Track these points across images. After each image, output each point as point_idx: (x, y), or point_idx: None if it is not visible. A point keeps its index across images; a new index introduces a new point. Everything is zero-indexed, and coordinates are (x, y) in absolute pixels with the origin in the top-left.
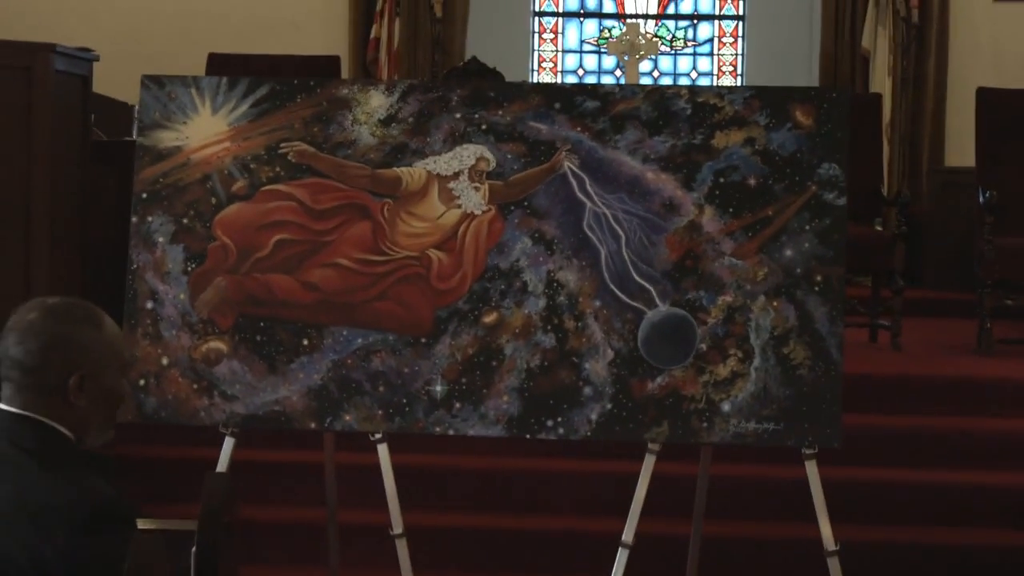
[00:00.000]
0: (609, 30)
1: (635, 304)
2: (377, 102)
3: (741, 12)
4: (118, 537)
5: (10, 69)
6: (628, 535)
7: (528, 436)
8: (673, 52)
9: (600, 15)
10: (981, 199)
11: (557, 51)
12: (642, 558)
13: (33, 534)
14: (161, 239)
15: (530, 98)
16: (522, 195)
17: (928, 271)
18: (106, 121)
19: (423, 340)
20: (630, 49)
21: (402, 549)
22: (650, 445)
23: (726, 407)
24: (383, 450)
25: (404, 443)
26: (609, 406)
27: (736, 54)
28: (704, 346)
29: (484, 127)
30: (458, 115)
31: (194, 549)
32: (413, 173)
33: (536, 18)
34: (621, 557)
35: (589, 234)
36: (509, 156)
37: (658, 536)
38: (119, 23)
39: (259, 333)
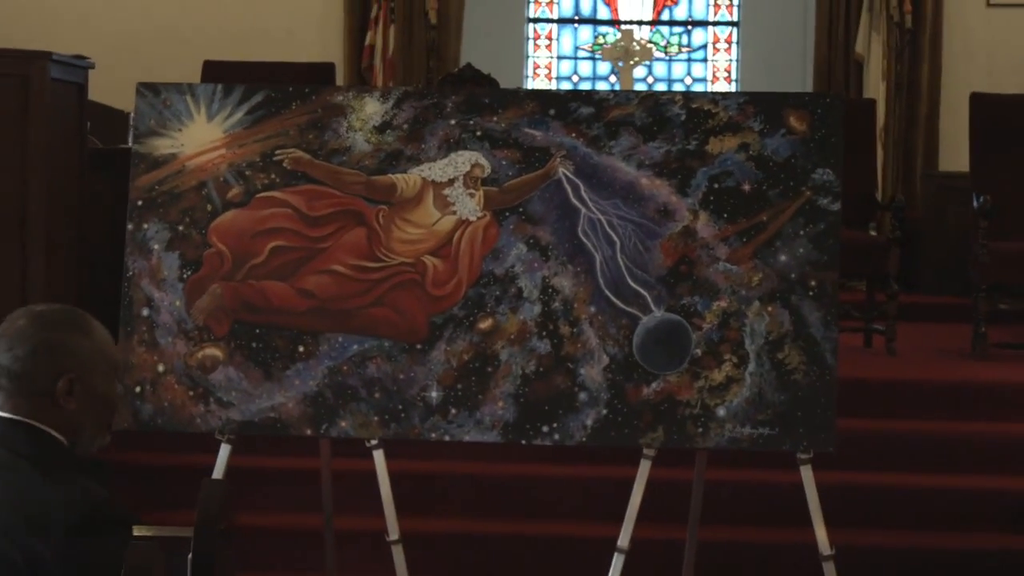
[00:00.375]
0: (604, 36)
1: (630, 310)
2: (372, 109)
3: (735, 18)
4: (114, 539)
5: (6, 77)
6: (624, 540)
7: (524, 442)
8: (668, 58)
9: (595, 21)
10: (975, 204)
11: (552, 57)
12: (638, 563)
13: (30, 537)
14: (157, 246)
15: (525, 104)
16: (517, 201)
17: (923, 276)
18: (102, 129)
19: (418, 346)
20: (625, 55)
21: (398, 555)
22: (645, 450)
23: (721, 412)
24: (379, 456)
25: (400, 449)
26: (604, 411)
27: (730, 60)
28: (699, 351)
29: (479, 133)
30: (453, 121)
31: (190, 556)
32: (408, 180)
33: (531, 24)
34: (617, 562)
35: (584, 240)
36: (504, 162)
37: (654, 541)
38: (115, 31)
39: (255, 340)
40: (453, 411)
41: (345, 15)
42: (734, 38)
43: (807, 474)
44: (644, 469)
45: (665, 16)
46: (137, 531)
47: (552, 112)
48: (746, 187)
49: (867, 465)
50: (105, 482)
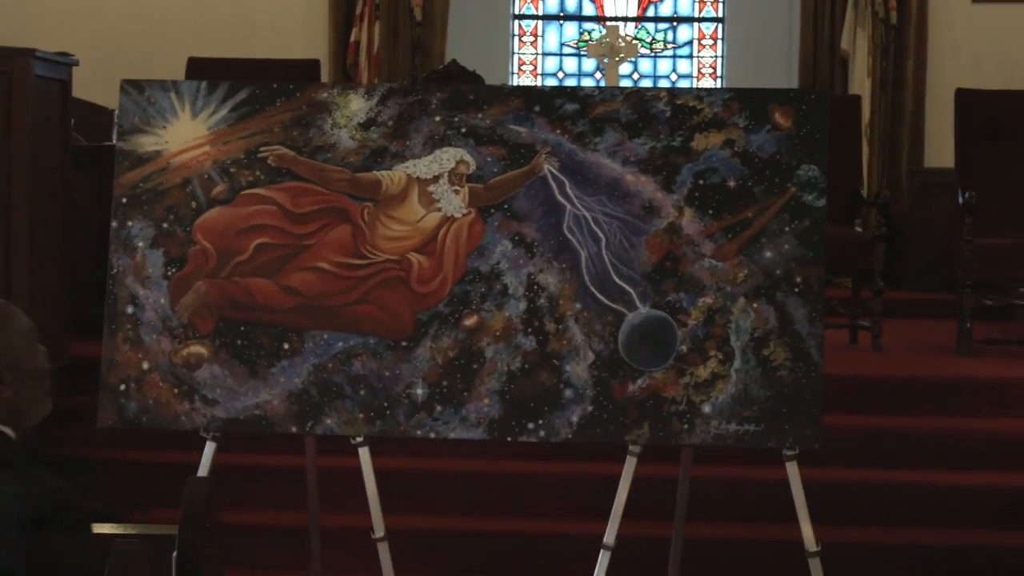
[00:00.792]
0: (589, 33)
1: (615, 306)
2: (357, 106)
3: (720, 14)
4: (68, 531)
5: None
6: (610, 537)
7: (509, 439)
8: (653, 55)
9: (580, 18)
10: (960, 200)
11: (537, 54)
12: (624, 560)
13: None
14: (141, 244)
15: (510, 101)
16: (502, 198)
17: (908, 272)
18: (86, 126)
19: (404, 343)
20: (610, 52)
21: (384, 553)
22: (631, 447)
23: (707, 409)
24: (364, 453)
25: (386, 446)
26: (590, 408)
27: (716, 56)
28: (684, 348)
29: (464, 130)
30: (437, 118)
31: (175, 554)
32: (393, 177)
33: (516, 21)
34: (603, 559)
35: (569, 237)
36: (489, 159)
37: (640, 538)
38: (99, 28)
39: (240, 337)
40: (438, 408)
41: (330, 11)
42: (719, 34)
43: (793, 470)
44: (630, 466)
45: (650, 12)
46: (122, 529)
47: (537, 109)
48: (731, 183)
49: (853, 462)
50: (89, 478)
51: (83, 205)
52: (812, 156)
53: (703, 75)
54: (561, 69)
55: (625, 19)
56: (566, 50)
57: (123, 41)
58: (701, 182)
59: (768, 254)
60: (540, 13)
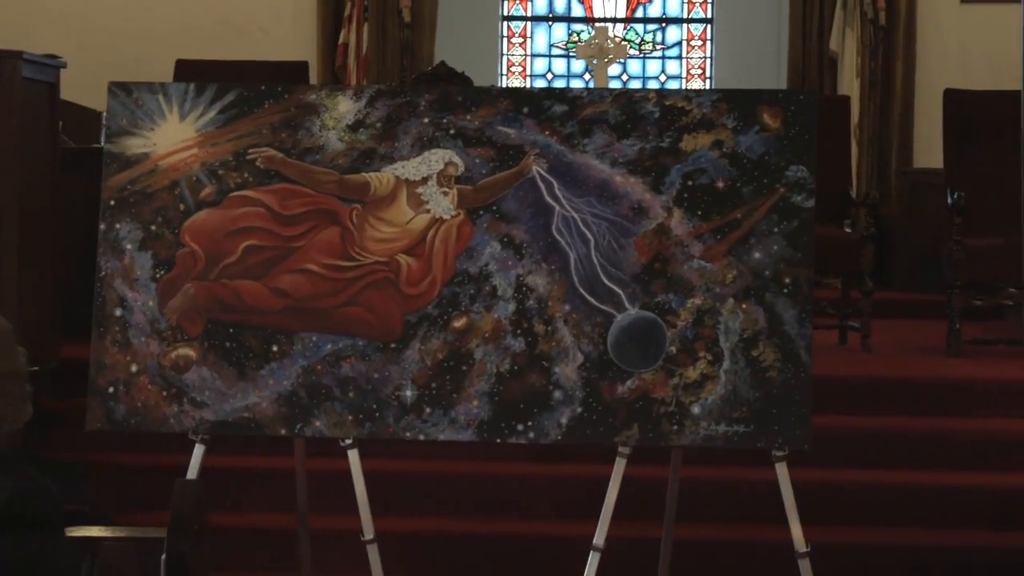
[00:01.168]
0: (578, 34)
1: (604, 308)
2: (345, 107)
3: (709, 15)
4: (36, 529)
5: None
6: (599, 538)
7: (498, 440)
8: (642, 56)
9: (569, 19)
10: (949, 200)
11: (526, 55)
12: (613, 561)
13: None
14: (129, 246)
15: (498, 102)
16: (491, 199)
17: (897, 272)
18: (74, 128)
19: (393, 345)
20: (599, 53)
21: (373, 555)
22: (620, 448)
23: (696, 410)
24: (354, 456)
25: (375, 448)
26: (579, 410)
27: (705, 57)
28: (674, 349)
29: (452, 132)
30: (426, 120)
31: (164, 556)
32: (381, 178)
33: (505, 22)
34: (592, 560)
35: (558, 238)
36: (477, 161)
37: (629, 539)
38: (87, 30)
39: (228, 339)
40: (428, 410)
41: (318, 13)
42: (708, 35)
43: (782, 471)
44: (619, 467)
45: (639, 13)
46: (110, 532)
47: (526, 110)
48: (720, 184)
49: (842, 462)
50: (79, 481)
51: (71, 207)
52: (801, 157)
53: (692, 76)
54: (550, 70)
55: (614, 20)
56: (555, 51)
57: (111, 43)
58: (690, 183)
59: (757, 255)
60: (529, 14)
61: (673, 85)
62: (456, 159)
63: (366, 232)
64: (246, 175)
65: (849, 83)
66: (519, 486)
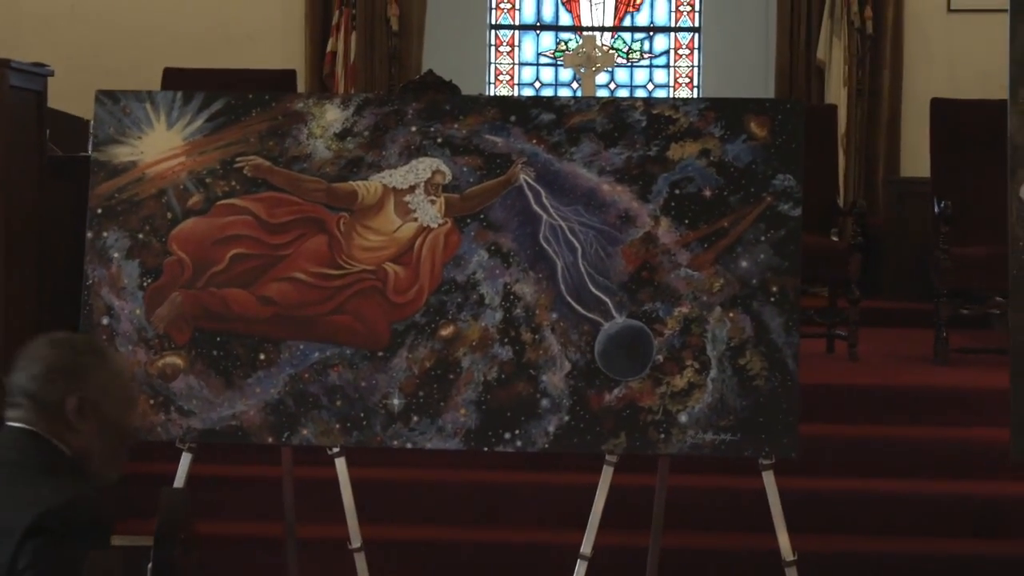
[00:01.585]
0: (566, 43)
1: (592, 316)
2: (332, 116)
3: (697, 24)
4: (76, 543)
5: None
6: (587, 547)
7: (486, 449)
8: (629, 64)
9: (556, 28)
10: (936, 209)
11: (514, 64)
12: (601, 570)
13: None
14: (116, 254)
15: (485, 111)
16: (478, 208)
17: (884, 281)
18: (62, 136)
19: (380, 354)
20: (587, 62)
21: (361, 563)
22: (608, 457)
23: (683, 418)
24: (341, 464)
25: (362, 457)
26: (567, 418)
27: (692, 66)
28: (661, 357)
29: (440, 140)
30: (414, 128)
31: (150, 565)
32: (369, 187)
33: (493, 31)
34: (580, 569)
35: (545, 246)
36: (465, 169)
37: (617, 548)
38: (74, 38)
39: (216, 348)
40: (415, 418)
41: (306, 22)
42: (696, 44)
43: (769, 480)
44: (606, 475)
45: (627, 22)
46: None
47: (513, 119)
48: (707, 193)
49: (829, 471)
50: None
51: (58, 216)
52: (788, 166)
53: (679, 85)
54: (538, 79)
55: (602, 29)
56: (543, 60)
57: (99, 51)
58: (677, 192)
59: (744, 263)
60: (517, 23)
61: (661, 94)
62: (443, 168)
63: (353, 240)
64: (233, 183)
65: (836, 92)
66: (506, 494)
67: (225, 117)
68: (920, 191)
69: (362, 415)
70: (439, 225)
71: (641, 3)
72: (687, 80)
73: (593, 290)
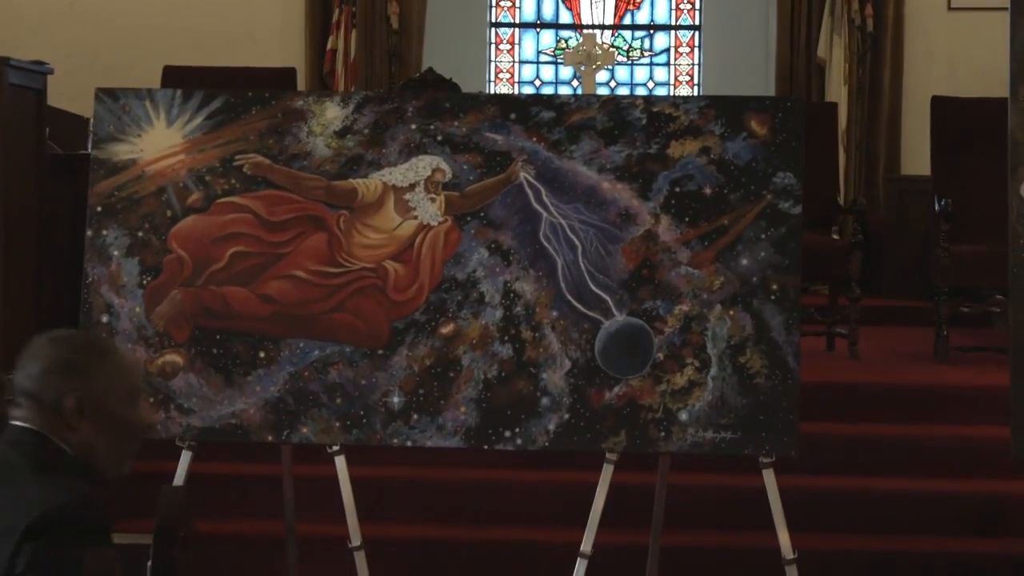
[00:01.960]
0: (566, 41)
1: (592, 314)
2: (332, 114)
3: (697, 22)
4: (72, 543)
5: None
6: (586, 545)
7: (486, 447)
8: (630, 62)
9: (557, 26)
10: (937, 207)
11: (514, 62)
12: (601, 568)
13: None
14: (116, 252)
15: (485, 109)
16: (478, 206)
17: (885, 279)
18: (61, 134)
19: (380, 352)
20: (587, 60)
21: (360, 561)
22: (608, 455)
23: (683, 416)
24: (340, 462)
25: (362, 455)
26: (567, 416)
27: (693, 64)
28: (661, 355)
29: (440, 138)
30: (413, 126)
31: (149, 563)
32: (369, 185)
33: (493, 29)
34: (580, 567)
35: (546, 244)
36: (465, 167)
37: (616, 546)
38: (74, 36)
39: (215, 346)
40: (415, 416)
41: (307, 20)
42: (696, 42)
43: (770, 478)
44: (607, 474)
45: (627, 20)
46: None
47: (513, 116)
48: (707, 191)
49: (830, 469)
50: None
51: (58, 214)
52: (788, 163)
53: (680, 83)
54: (538, 77)
55: (602, 27)
56: (543, 58)
57: (98, 49)
58: (677, 189)
59: (744, 261)
60: (517, 21)
61: (661, 92)
62: (443, 165)
63: (353, 238)
64: (233, 181)
65: (837, 90)
66: (506, 493)
67: (225, 115)
68: (920, 189)
69: (362, 413)
70: (439, 223)
71: (641, 1)
72: (687, 78)
73: (593, 288)
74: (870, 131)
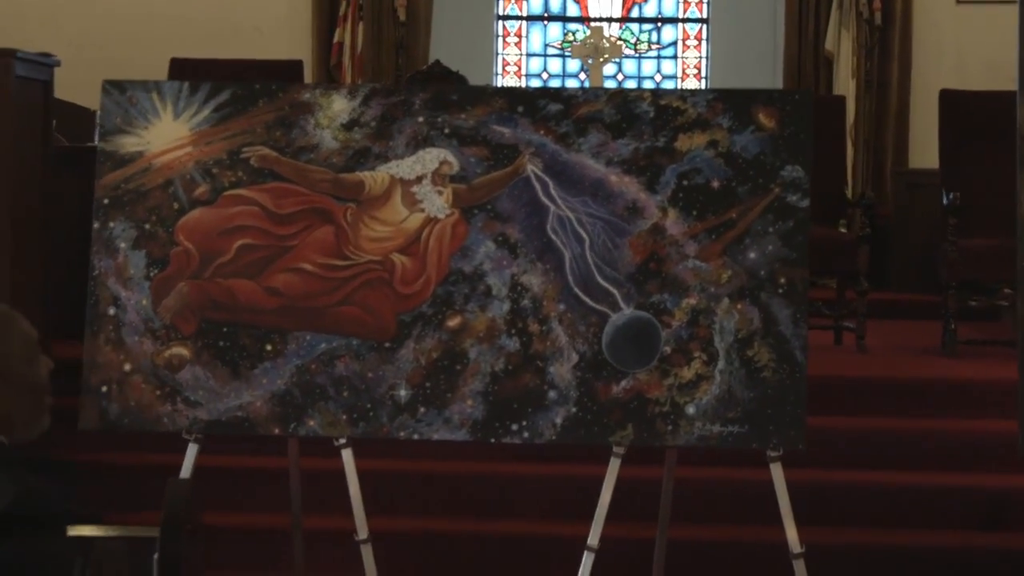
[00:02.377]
0: (573, 33)
1: (599, 307)
2: (339, 106)
3: (705, 15)
4: (35, 533)
5: None
6: (593, 539)
7: (493, 440)
8: (637, 55)
9: (564, 18)
10: (945, 201)
11: (521, 55)
12: (608, 561)
13: None
14: (123, 245)
15: (493, 101)
16: (485, 199)
17: (893, 273)
18: (68, 127)
19: (387, 344)
20: (594, 52)
21: (367, 555)
22: (615, 448)
23: (691, 410)
24: (347, 455)
25: (369, 448)
26: (574, 409)
27: (700, 57)
28: (668, 349)
29: (447, 131)
30: (421, 119)
31: (156, 556)
32: (376, 177)
33: (500, 21)
34: (587, 561)
35: (553, 237)
36: (472, 160)
37: (624, 540)
38: (81, 28)
39: (222, 338)
40: (422, 409)
41: (313, 12)
42: (704, 35)
43: (777, 472)
44: (614, 467)
45: (635, 13)
46: (103, 531)
47: (520, 109)
48: (715, 184)
49: (837, 463)
50: (70, 480)
51: (65, 206)
52: (796, 157)
53: (687, 76)
54: (545, 70)
55: (609, 20)
56: (550, 51)
57: (105, 42)
58: (685, 183)
59: (752, 255)
60: (524, 14)
61: (668, 85)
62: (451, 158)
63: (360, 231)
64: (240, 174)
65: (845, 83)
66: (513, 486)
67: (232, 107)
68: (929, 182)
69: (369, 406)
70: (446, 216)
71: None
72: (695, 71)
73: (601, 281)
74: (878, 124)
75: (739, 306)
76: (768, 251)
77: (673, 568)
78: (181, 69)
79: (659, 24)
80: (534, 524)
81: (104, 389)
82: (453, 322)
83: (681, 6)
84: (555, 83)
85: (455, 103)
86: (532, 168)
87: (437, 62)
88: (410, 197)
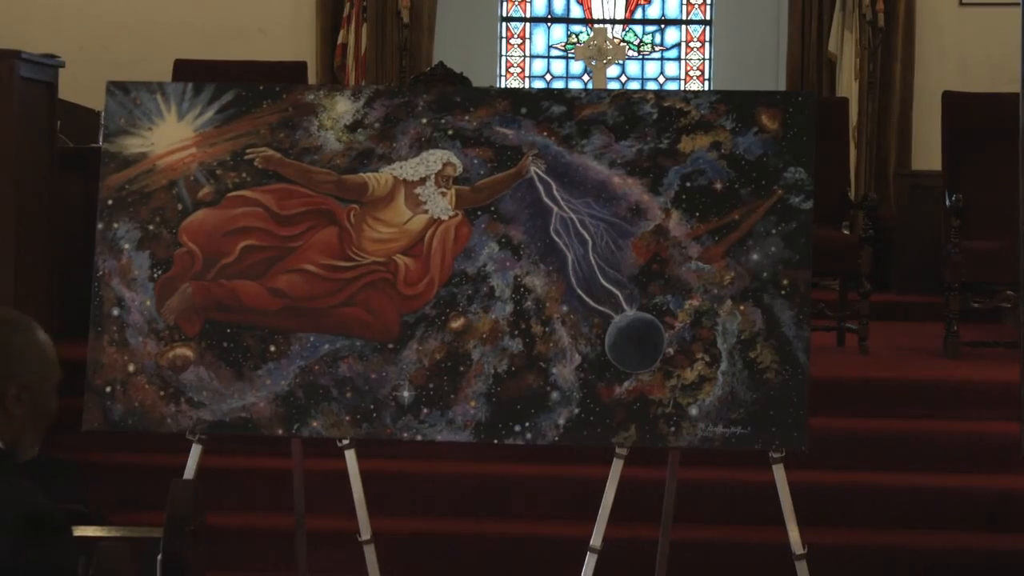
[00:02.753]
0: (577, 35)
1: (602, 309)
2: (343, 108)
3: (708, 17)
4: (24, 543)
5: None
6: (596, 540)
7: (496, 441)
8: (640, 57)
9: (567, 20)
10: (947, 202)
11: (525, 56)
12: (610, 562)
13: None
14: (127, 246)
15: (496, 103)
16: (489, 200)
17: (895, 274)
18: (72, 128)
19: (390, 346)
20: (598, 54)
21: (370, 555)
22: (618, 449)
23: (693, 411)
24: (351, 456)
25: (372, 449)
26: (577, 411)
27: (703, 59)
28: (671, 350)
29: (450, 132)
30: (424, 120)
31: (160, 557)
32: (379, 179)
33: (503, 23)
34: (589, 562)
35: (556, 239)
36: (476, 161)
37: (626, 540)
38: (85, 29)
39: (226, 339)
40: (425, 411)
41: (317, 14)
42: (707, 37)
43: (779, 473)
44: (616, 468)
45: (638, 15)
46: (106, 531)
47: (524, 111)
48: (718, 186)
49: (839, 464)
50: (73, 480)
51: (69, 207)
52: (799, 158)
53: (690, 77)
54: (549, 71)
55: (613, 21)
56: (554, 52)
57: (109, 43)
58: (688, 184)
59: (755, 256)
60: (528, 15)
61: (672, 86)
62: (454, 159)
63: (364, 232)
64: (244, 175)
65: (848, 85)
66: (516, 487)
67: (236, 109)
68: (931, 184)
69: (372, 407)
70: (450, 217)
71: None
72: (698, 73)
73: (603, 283)
74: (881, 126)
75: (742, 307)
76: (771, 253)
77: (675, 569)
78: (185, 70)
79: (662, 26)
80: (537, 525)
81: (108, 390)
82: (456, 323)
83: (684, 8)
84: (558, 85)
85: (459, 105)
86: (535, 170)
87: (441, 64)
88: (414, 198)
